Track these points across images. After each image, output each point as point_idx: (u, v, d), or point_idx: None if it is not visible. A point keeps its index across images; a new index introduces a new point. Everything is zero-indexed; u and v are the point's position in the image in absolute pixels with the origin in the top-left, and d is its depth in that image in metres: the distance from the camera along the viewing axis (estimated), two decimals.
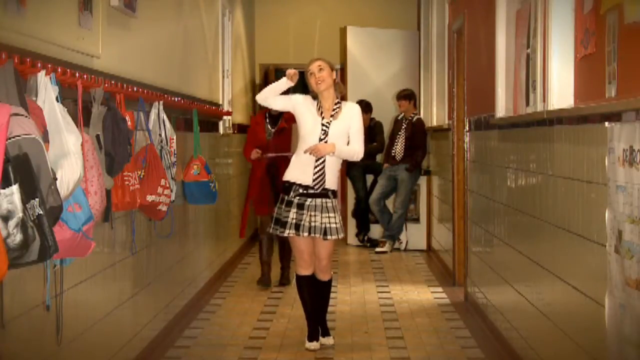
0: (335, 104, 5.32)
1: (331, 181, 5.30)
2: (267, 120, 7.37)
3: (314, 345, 5.41)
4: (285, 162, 6.11)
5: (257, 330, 5.90)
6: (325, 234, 5.25)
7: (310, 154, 5.23)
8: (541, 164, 4.31)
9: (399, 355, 5.31)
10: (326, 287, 5.53)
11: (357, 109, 5.36)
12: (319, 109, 5.31)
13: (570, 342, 3.77)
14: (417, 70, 10.74)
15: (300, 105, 5.34)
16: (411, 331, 5.89)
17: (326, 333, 5.54)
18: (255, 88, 11.40)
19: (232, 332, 5.88)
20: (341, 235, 5.34)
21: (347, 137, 5.32)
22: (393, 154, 9.64)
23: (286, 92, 5.47)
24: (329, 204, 5.28)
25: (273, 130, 7.34)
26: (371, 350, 5.44)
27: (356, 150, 5.34)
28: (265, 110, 7.33)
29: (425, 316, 6.36)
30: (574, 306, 3.73)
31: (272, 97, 5.37)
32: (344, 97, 5.51)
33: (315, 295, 5.48)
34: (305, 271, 5.44)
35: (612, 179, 3.05)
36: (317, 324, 5.48)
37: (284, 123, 7.32)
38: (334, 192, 5.31)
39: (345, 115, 5.31)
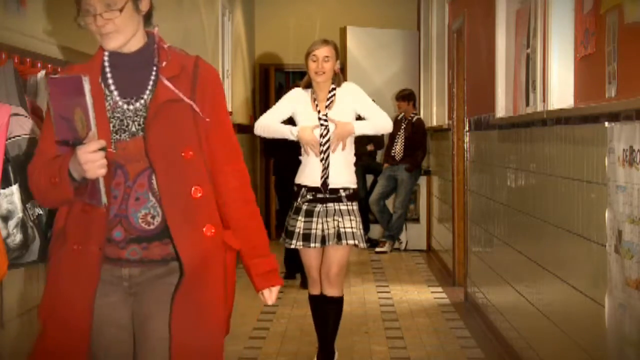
0: (330, 92, 4.66)
1: (337, 179, 4.59)
2: (115, 91, 2.46)
3: None
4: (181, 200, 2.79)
5: (257, 330, 5.90)
6: (339, 238, 4.60)
7: (332, 151, 4.57)
8: (541, 164, 4.31)
9: (399, 355, 5.31)
10: (334, 306, 4.76)
11: (354, 87, 4.72)
12: (314, 100, 4.67)
13: (570, 342, 3.77)
14: (417, 70, 10.74)
15: (298, 104, 4.71)
16: (411, 331, 5.89)
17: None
18: (255, 88, 11.40)
19: (232, 332, 5.83)
20: (361, 244, 4.69)
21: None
22: (393, 154, 9.64)
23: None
24: (343, 207, 4.61)
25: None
26: (371, 350, 5.44)
27: (381, 123, 4.66)
28: (101, 57, 2.50)
29: (425, 316, 6.36)
30: (574, 306, 3.72)
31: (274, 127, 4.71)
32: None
33: (321, 316, 4.83)
34: (316, 290, 4.80)
35: (612, 179, 3.05)
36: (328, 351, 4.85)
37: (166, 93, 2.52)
38: (348, 196, 4.62)
39: (342, 99, 4.64)
